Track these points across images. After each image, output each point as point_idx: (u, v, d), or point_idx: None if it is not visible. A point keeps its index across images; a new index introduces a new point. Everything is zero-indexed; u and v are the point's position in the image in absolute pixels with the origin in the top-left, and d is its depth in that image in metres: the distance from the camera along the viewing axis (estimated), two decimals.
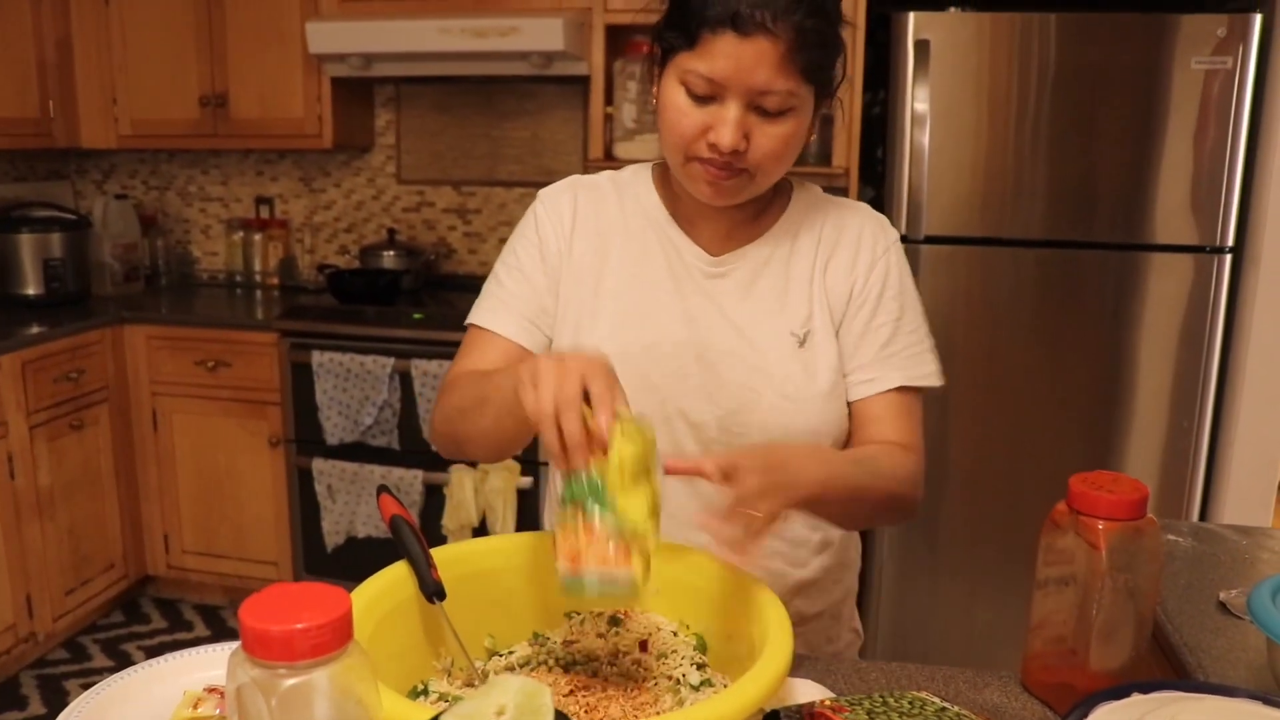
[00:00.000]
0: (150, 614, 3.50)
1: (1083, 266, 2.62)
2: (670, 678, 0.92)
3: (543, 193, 1.28)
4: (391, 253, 3.51)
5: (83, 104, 3.52)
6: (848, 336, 1.21)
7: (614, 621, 1.00)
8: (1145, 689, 0.91)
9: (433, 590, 0.92)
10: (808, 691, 0.92)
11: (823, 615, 1.27)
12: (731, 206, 1.19)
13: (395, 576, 0.95)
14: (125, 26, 3.46)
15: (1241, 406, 2.58)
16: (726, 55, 1.03)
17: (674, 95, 1.08)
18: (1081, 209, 2.60)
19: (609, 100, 3.14)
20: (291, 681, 0.65)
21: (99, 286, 3.59)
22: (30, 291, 3.37)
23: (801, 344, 1.19)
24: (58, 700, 2.96)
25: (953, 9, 2.64)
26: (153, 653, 3.25)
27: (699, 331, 1.19)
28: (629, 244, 1.23)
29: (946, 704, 0.84)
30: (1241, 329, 2.59)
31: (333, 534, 3.16)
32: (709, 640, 0.97)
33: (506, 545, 1.05)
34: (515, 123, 3.58)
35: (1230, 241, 2.54)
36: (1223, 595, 1.24)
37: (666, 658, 0.94)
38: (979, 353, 2.70)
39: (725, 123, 1.06)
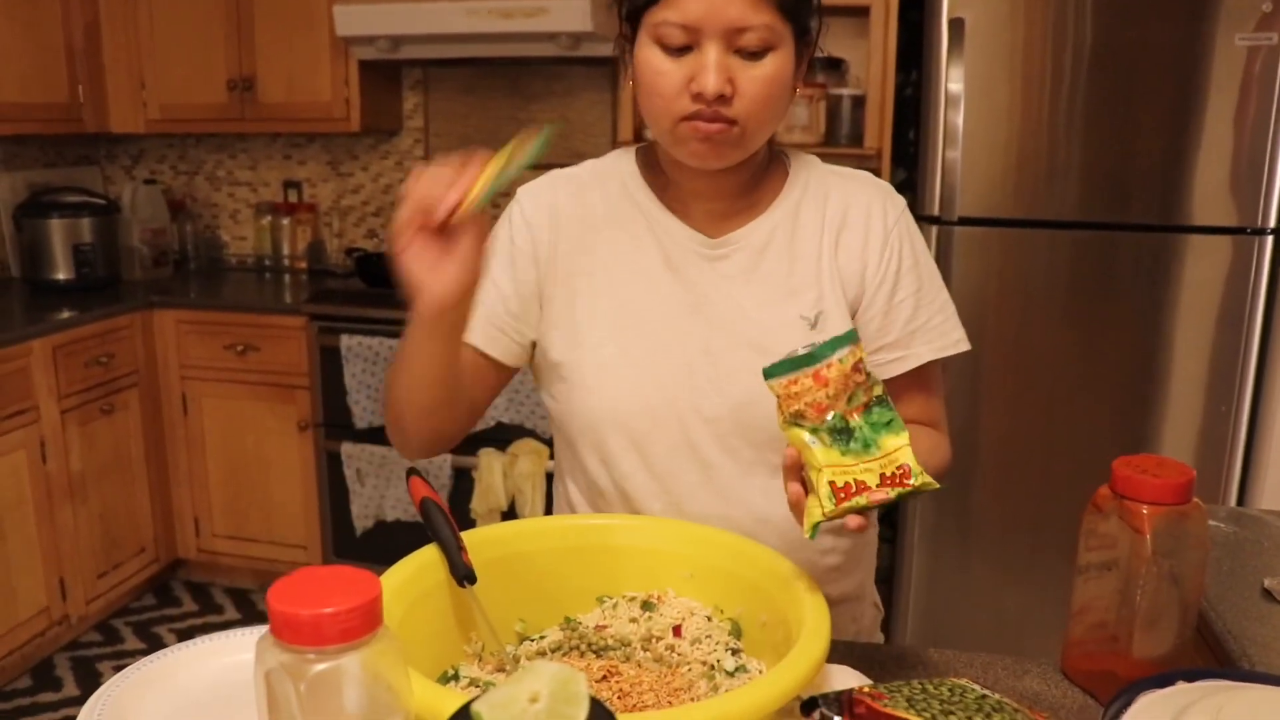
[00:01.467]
0: (181, 597, 3.53)
1: (1119, 249, 2.58)
2: (705, 663, 0.90)
3: (521, 190, 1.22)
4: None
5: (111, 89, 3.53)
6: (870, 317, 1.16)
7: (647, 606, 0.98)
8: (1190, 677, 0.89)
9: (463, 574, 0.91)
10: (845, 678, 0.90)
11: (848, 596, 1.25)
12: (725, 182, 1.15)
13: (426, 560, 0.94)
14: (153, 11, 3.47)
15: (1279, 397, 2.53)
16: None
17: (649, 56, 1.04)
18: (1118, 190, 2.55)
19: None
20: (320, 667, 0.64)
21: (128, 271, 3.61)
22: (60, 276, 3.40)
23: (813, 326, 1.14)
24: (91, 681, 2.99)
25: None
26: (184, 635, 3.27)
27: (703, 322, 1.14)
28: (618, 235, 1.18)
29: (987, 691, 0.82)
30: None
31: (362, 518, 3.17)
32: (744, 626, 0.95)
33: (537, 528, 1.03)
34: (543, 105, 3.56)
35: (1271, 223, 2.48)
36: (1267, 582, 1.21)
37: (700, 643, 0.93)
38: (1011, 336, 2.66)
39: (706, 68, 1.01)
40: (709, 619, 0.96)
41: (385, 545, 3.15)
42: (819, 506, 0.84)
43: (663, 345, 1.14)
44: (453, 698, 0.71)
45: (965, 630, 2.80)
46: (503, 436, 2.99)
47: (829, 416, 0.86)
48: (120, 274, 3.56)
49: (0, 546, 2.81)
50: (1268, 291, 2.51)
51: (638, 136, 3.12)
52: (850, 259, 1.16)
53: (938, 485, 0.87)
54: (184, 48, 3.47)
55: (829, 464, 0.85)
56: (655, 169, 1.19)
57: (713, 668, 0.90)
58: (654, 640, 0.94)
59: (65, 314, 3.06)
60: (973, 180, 2.61)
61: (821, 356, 0.87)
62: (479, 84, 3.61)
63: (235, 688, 0.94)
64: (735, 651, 0.92)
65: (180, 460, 3.45)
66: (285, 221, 3.82)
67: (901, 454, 0.85)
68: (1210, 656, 1.15)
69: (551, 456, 3.00)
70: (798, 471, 0.89)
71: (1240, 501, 2.61)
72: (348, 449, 3.13)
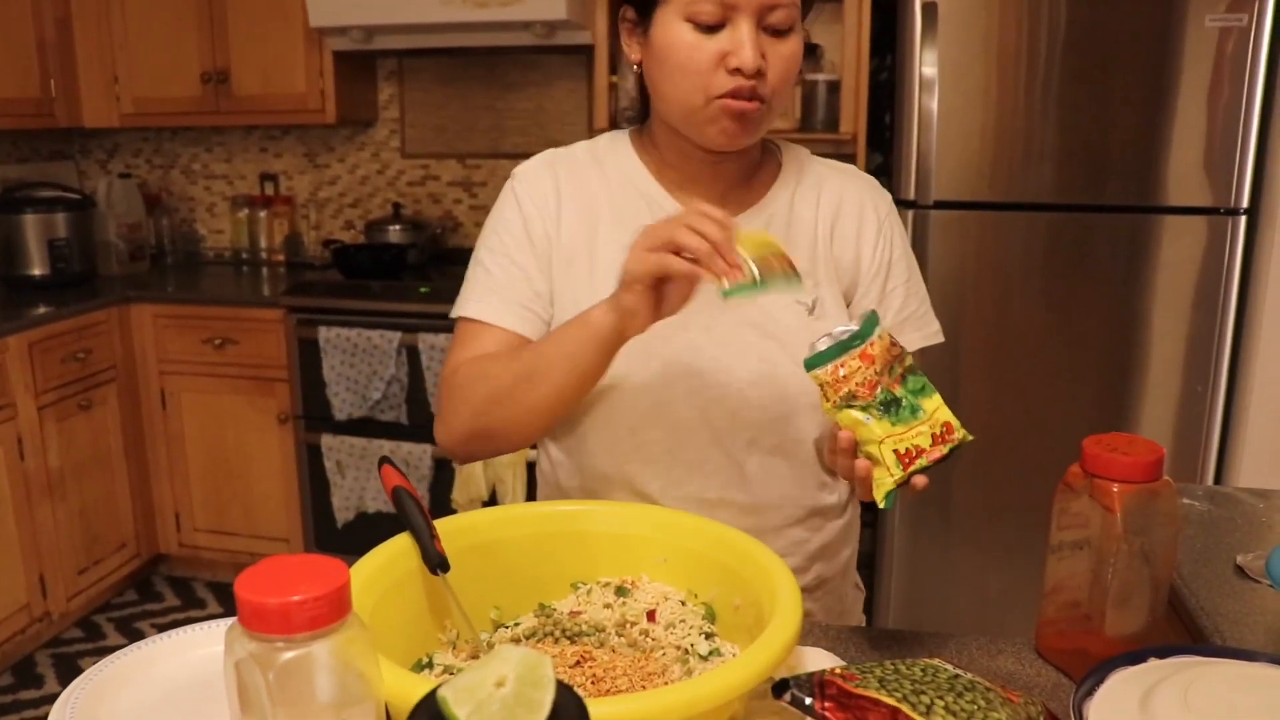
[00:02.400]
0: (163, 592, 3.52)
1: (1094, 230, 2.59)
2: (678, 647, 0.90)
3: (519, 170, 1.22)
4: (397, 227, 3.50)
5: (84, 83, 3.50)
6: (865, 305, 1.19)
7: (621, 592, 0.98)
8: (1162, 654, 0.89)
9: (436, 562, 0.91)
10: (818, 660, 0.91)
11: (832, 577, 1.26)
12: (727, 168, 1.16)
13: (398, 549, 0.93)
14: (125, 4, 3.44)
15: (1256, 370, 2.55)
16: None
17: (680, 34, 1.05)
18: (1093, 172, 2.56)
19: (613, 69, 3.11)
20: (289, 655, 0.64)
21: (104, 266, 3.59)
22: (36, 272, 3.37)
23: (810, 312, 1.16)
24: (73, 678, 2.96)
25: None
26: (166, 630, 3.25)
27: (705, 306, 1.13)
28: (618, 216, 1.18)
29: (960, 671, 0.83)
30: (1256, 291, 2.55)
31: (343, 509, 3.16)
32: (717, 609, 0.95)
33: (511, 515, 1.03)
34: (519, 94, 3.55)
35: (1245, 203, 2.49)
36: (1239, 559, 1.22)
37: (674, 627, 0.93)
38: (989, 319, 2.67)
39: (743, 43, 1.03)
40: (683, 603, 0.96)
41: (367, 537, 3.12)
42: (888, 475, 0.90)
43: (665, 327, 1.12)
44: (423, 684, 0.71)
45: (947, 613, 2.81)
46: None
47: (878, 392, 0.91)
48: (96, 269, 3.54)
49: None
50: (1241, 271, 2.53)
51: (613, 124, 3.10)
52: (845, 248, 1.19)
53: (972, 438, 0.94)
54: (157, 40, 3.44)
55: (887, 435, 0.90)
56: (651, 154, 1.20)
57: (686, 652, 0.90)
58: (628, 625, 0.94)
59: (41, 310, 3.03)
60: (948, 164, 2.61)
61: (866, 335, 0.91)
62: (454, 74, 3.59)
63: (211, 679, 0.93)
64: (709, 635, 0.92)
65: (160, 455, 3.43)
66: (262, 214, 3.80)
67: (941, 412, 0.92)
68: (1184, 632, 1.16)
69: (533, 446, 3.00)
70: (853, 451, 0.92)
71: (1217, 480, 2.64)
72: (328, 441, 3.12)
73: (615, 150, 1.22)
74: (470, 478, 2.95)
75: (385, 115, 3.68)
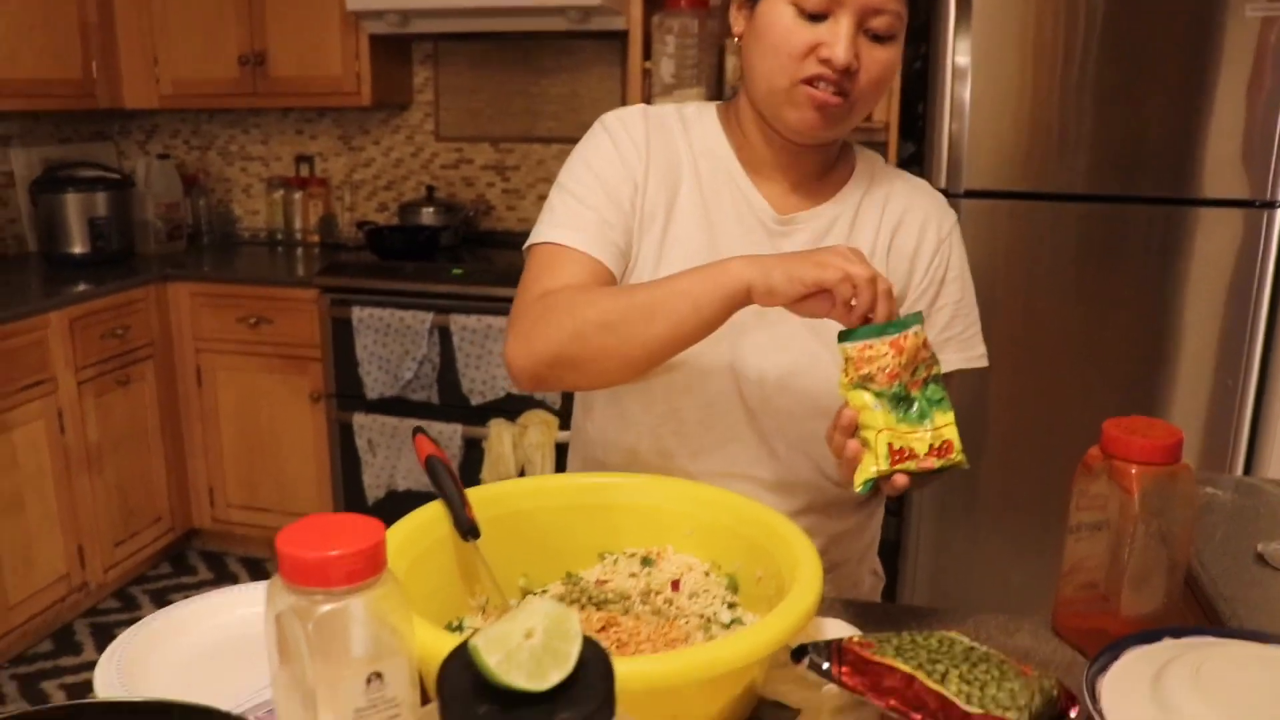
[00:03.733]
0: (196, 565, 3.58)
1: (1128, 221, 2.58)
2: (701, 616, 0.93)
3: (612, 115, 1.21)
4: (430, 209, 3.53)
5: (124, 65, 3.55)
6: None
7: (646, 562, 1.01)
8: (1177, 634, 0.91)
9: (467, 529, 0.94)
10: (836, 630, 0.93)
11: (849, 561, 1.28)
12: (806, 159, 1.18)
13: (430, 515, 0.96)
14: None
15: None
16: None
17: (782, 14, 1.07)
18: (1127, 163, 2.55)
19: (647, 55, 3.12)
20: (327, 608, 0.66)
21: (143, 245, 3.64)
22: (76, 250, 3.43)
23: None
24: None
25: None
26: None
27: None
28: (700, 185, 1.19)
29: (975, 644, 0.85)
30: None
31: (373, 487, 3.21)
32: (740, 580, 0.98)
33: (540, 486, 1.06)
34: (553, 79, 3.57)
35: None
36: (1260, 547, 1.23)
37: (698, 596, 0.95)
38: (1019, 309, 2.67)
39: (839, 38, 1.04)
40: (706, 574, 0.99)
41: (397, 514, 3.14)
42: (874, 464, 0.91)
43: None
44: (453, 641, 0.74)
45: (969, 601, 2.82)
46: (512, 407, 3.02)
47: (895, 385, 0.92)
48: (135, 248, 3.60)
49: (20, 515, 2.86)
50: (1276, 265, 2.51)
51: None
52: (900, 260, 1.21)
53: (967, 465, 0.94)
54: (195, 23, 3.48)
55: (887, 427, 0.92)
56: (735, 131, 1.21)
57: (709, 620, 0.92)
58: (652, 594, 0.96)
59: (81, 287, 3.09)
60: (980, 153, 2.61)
61: (903, 327, 0.93)
62: (489, 58, 3.62)
63: (242, 640, 0.98)
64: (731, 605, 0.95)
65: (195, 431, 3.49)
66: (297, 196, 3.85)
67: (948, 430, 0.93)
68: (1201, 617, 1.17)
69: (562, 427, 3.04)
70: (851, 431, 0.93)
71: (1246, 472, 2.62)
72: (360, 420, 3.16)
73: (702, 121, 1.22)
74: (500, 458, 2.99)
75: (420, 99, 3.71)
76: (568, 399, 3.02)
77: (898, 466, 0.91)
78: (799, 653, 0.78)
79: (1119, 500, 0.95)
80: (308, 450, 3.38)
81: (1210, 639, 0.90)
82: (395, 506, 3.16)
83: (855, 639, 0.80)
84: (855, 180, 1.23)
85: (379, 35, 3.34)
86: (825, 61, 1.05)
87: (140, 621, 0.98)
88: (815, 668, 0.76)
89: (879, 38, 1.07)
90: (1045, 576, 2.77)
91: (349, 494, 3.29)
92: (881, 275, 0.94)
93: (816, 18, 1.05)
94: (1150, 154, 2.53)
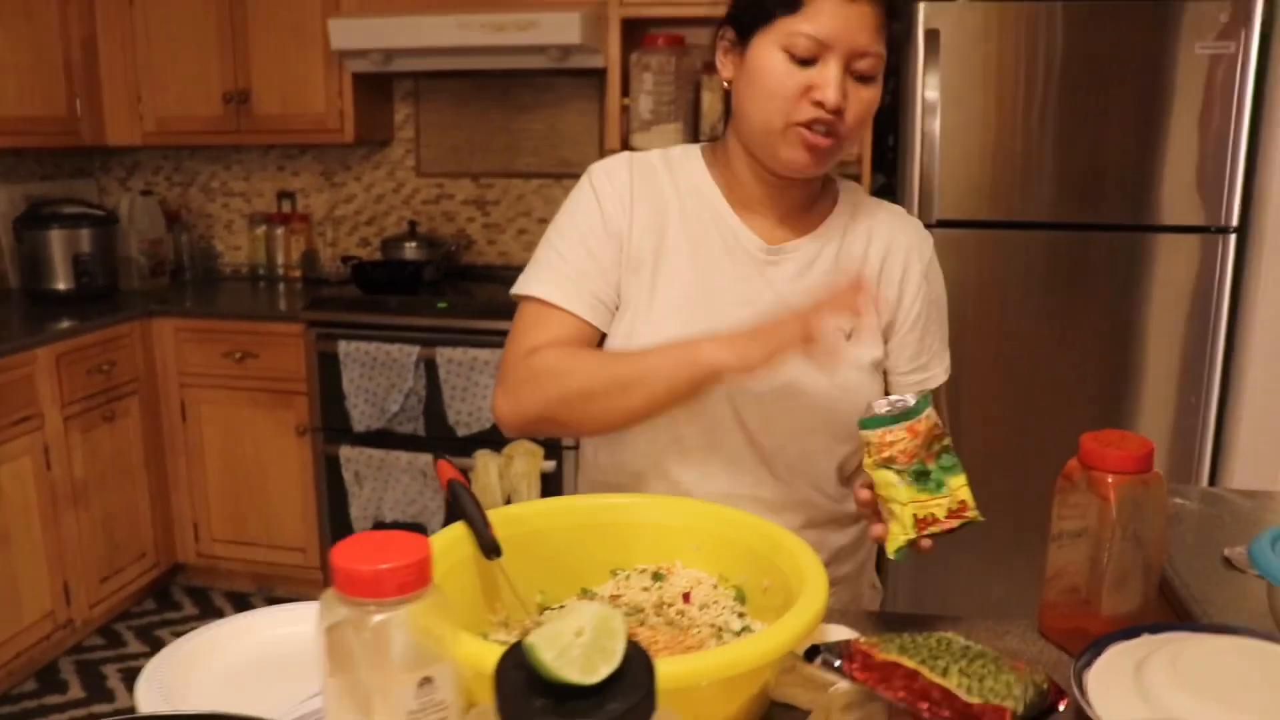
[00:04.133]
0: (181, 601, 3.59)
1: (1091, 248, 2.68)
2: (713, 625, 0.99)
3: (598, 167, 1.28)
4: (413, 244, 3.59)
5: (108, 102, 3.59)
6: (906, 342, 1.30)
7: (657, 577, 1.07)
8: (1155, 630, 0.98)
9: (490, 547, 1.00)
10: (840, 634, 0.99)
11: (850, 575, 1.35)
12: (791, 193, 1.25)
13: (454, 536, 1.01)
14: (149, 25, 3.54)
15: (1247, 381, 2.64)
16: (833, 15, 1.10)
17: (773, 61, 1.14)
18: (1089, 192, 2.66)
19: (625, 92, 3.21)
20: (379, 617, 0.72)
21: (126, 281, 3.67)
22: (60, 286, 3.46)
23: (848, 337, 1.24)
24: (97, 684, 3.04)
25: None
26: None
27: (754, 314, 1.22)
28: (686, 225, 1.26)
29: (970, 643, 0.91)
30: (1246, 305, 2.65)
31: (360, 519, 3.24)
32: (747, 592, 1.04)
33: (554, 508, 1.12)
34: (532, 115, 3.65)
35: (1235, 221, 2.59)
36: (1227, 551, 1.31)
37: (708, 608, 1.01)
38: (990, 333, 2.76)
39: (829, 82, 1.12)
40: (715, 586, 1.05)
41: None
42: (903, 533, 1.03)
43: (717, 330, 1.20)
44: (491, 649, 0.80)
45: (957, 613, 2.89)
46: (498, 438, 3.07)
47: (914, 463, 1.03)
48: (119, 284, 3.63)
49: (6, 551, 2.87)
50: (1232, 287, 2.63)
51: (624, 145, 3.21)
52: (890, 286, 1.29)
53: (982, 519, 1.04)
54: (180, 62, 3.54)
55: (911, 500, 1.03)
56: (721, 170, 1.28)
57: (720, 629, 0.98)
58: (665, 606, 1.02)
59: (66, 324, 3.11)
60: (950, 184, 2.71)
61: (918, 412, 1.04)
62: (469, 95, 3.69)
63: (278, 658, 1.02)
64: (740, 614, 1.01)
65: (179, 466, 3.51)
66: (279, 231, 3.89)
67: (961, 491, 1.03)
68: (1174, 617, 1.24)
69: (547, 457, 3.09)
70: (874, 507, 1.06)
71: (1211, 483, 2.72)
72: (346, 452, 3.20)
73: (687, 163, 1.30)
74: (486, 488, 3.03)
75: (401, 135, 3.78)
76: None
77: (924, 533, 1.02)
78: (811, 653, 0.84)
79: (1097, 508, 1.02)
80: (293, 483, 3.41)
81: (1185, 634, 0.97)
82: None
83: (862, 640, 0.87)
84: (839, 211, 1.30)
85: (361, 73, 3.40)
86: (818, 104, 1.12)
87: (175, 642, 1.02)
88: (828, 665, 0.82)
89: (863, 78, 1.14)
90: (1021, 588, 2.86)
91: (335, 526, 3.32)
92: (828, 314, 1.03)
93: (806, 62, 1.13)
94: (1110, 183, 2.64)
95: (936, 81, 2.66)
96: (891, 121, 3.08)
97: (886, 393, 1.30)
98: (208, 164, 4.01)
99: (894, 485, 1.03)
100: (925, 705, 0.78)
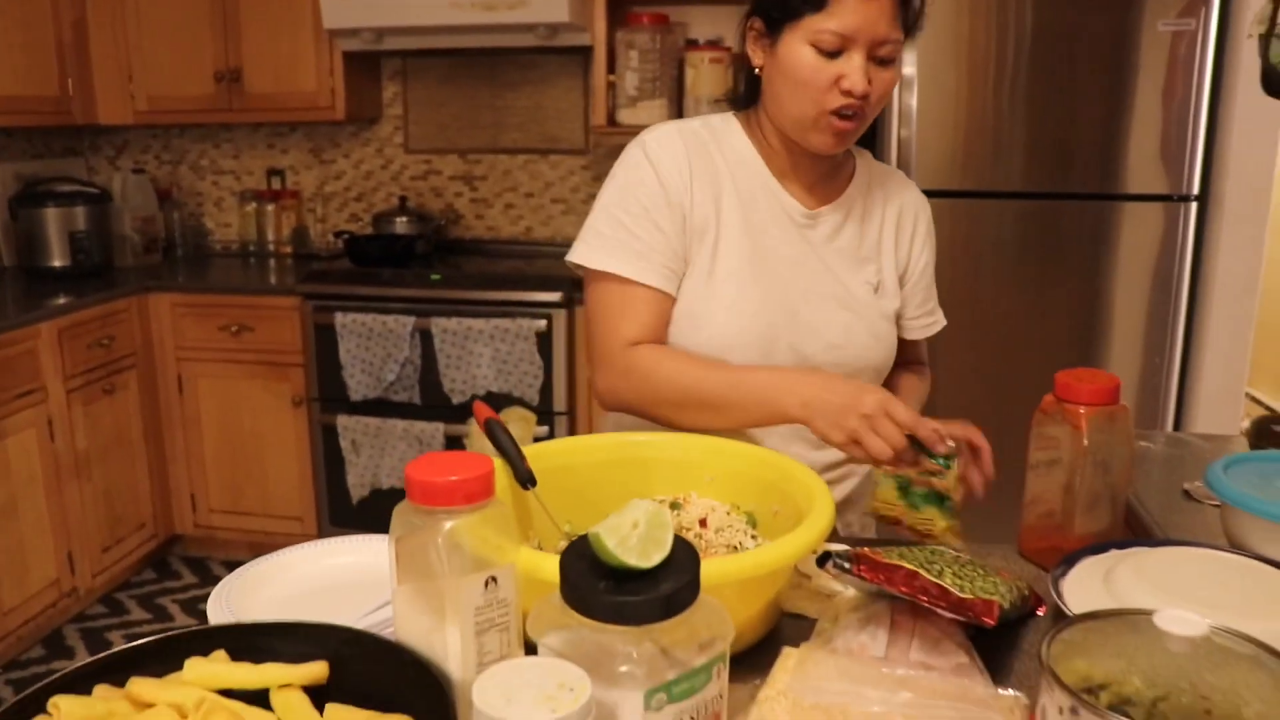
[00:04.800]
0: (180, 571, 3.67)
1: (1060, 216, 2.81)
2: (729, 546, 1.10)
3: (651, 137, 1.36)
4: (404, 219, 3.67)
5: (99, 82, 3.64)
6: (917, 289, 1.49)
7: (674, 506, 1.18)
8: (1121, 546, 1.10)
9: (526, 478, 1.10)
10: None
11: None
12: (822, 162, 1.38)
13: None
14: (140, 5, 3.58)
15: (1208, 340, 2.78)
16: (855, 11, 1.22)
17: (803, 55, 1.25)
18: (1058, 162, 2.79)
19: (611, 69, 3.30)
20: (451, 523, 0.82)
21: (120, 258, 3.73)
22: (56, 263, 3.51)
23: (875, 291, 1.42)
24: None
25: None
26: (187, 606, 3.42)
27: (802, 276, 1.38)
28: (738, 192, 1.37)
29: (960, 553, 1.03)
30: (1207, 269, 2.79)
31: (358, 487, 3.33)
32: (758, 517, 1.15)
33: (580, 445, 1.22)
34: (518, 92, 3.73)
35: (1196, 190, 2.73)
36: (1187, 485, 1.44)
37: (723, 531, 1.12)
38: (964, 299, 2.88)
39: (856, 70, 1.24)
40: (728, 513, 1.16)
41: (381, 513, 3.28)
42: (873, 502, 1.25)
43: (773, 290, 1.37)
44: (545, 556, 0.90)
45: None
46: (492, 404, 3.15)
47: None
48: (113, 260, 3.69)
49: (13, 521, 2.94)
50: (1194, 252, 2.76)
51: (610, 121, 3.30)
52: (904, 243, 1.47)
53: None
54: (171, 41, 3.59)
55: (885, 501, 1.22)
56: (759, 139, 1.40)
57: (736, 549, 1.09)
58: (684, 531, 1.13)
59: (64, 300, 3.17)
60: (926, 156, 2.83)
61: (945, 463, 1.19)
62: (456, 73, 3.77)
63: (333, 585, 1.12)
64: (754, 537, 1.12)
65: (177, 438, 3.58)
66: (270, 208, 3.96)
67: (929, 525, 1.21)
68: None
69: (539, 423, 3.18)
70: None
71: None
72: (343, 421, 3.29)
73: (729, 131, 1.40)
74: (481, 454, 3.12)
75: (389, 112, 3.85)
76: (545, 399, 3.18)
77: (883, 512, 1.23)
78: (823, 559, 0.95)
79: (1070, 438, 1.14)
80: (290, 454, 3.49)
81: (1147, 548, 1.09)
82: (380, 505, 3.30)
83: (865, 549, 0.98)
84: (858, 178, 1.45)
85: (351, 52, 3.47)
86: (847, 92, 1.25)
87: (238, 569, 1.12)
88: (839, 567, 0.93)
89: (884, 62, 1.27)
90: (1000, 522, 3.01)
91: (332, 495, 3.41)
92: (882, 414, 1.15)
93: (833, 54, 1.25)
94: (1079, 154, 2.77)
95: (913, 58, 2.77)
96: None
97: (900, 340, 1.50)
98: (197, 142, 4.06)
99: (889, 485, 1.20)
100: (925, 598, 0.89)
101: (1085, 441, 1.12)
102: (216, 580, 3.57)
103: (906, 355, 1.55)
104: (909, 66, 2.77)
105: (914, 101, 2.79)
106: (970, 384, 2.91)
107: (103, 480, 3.30)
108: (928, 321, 1.52)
